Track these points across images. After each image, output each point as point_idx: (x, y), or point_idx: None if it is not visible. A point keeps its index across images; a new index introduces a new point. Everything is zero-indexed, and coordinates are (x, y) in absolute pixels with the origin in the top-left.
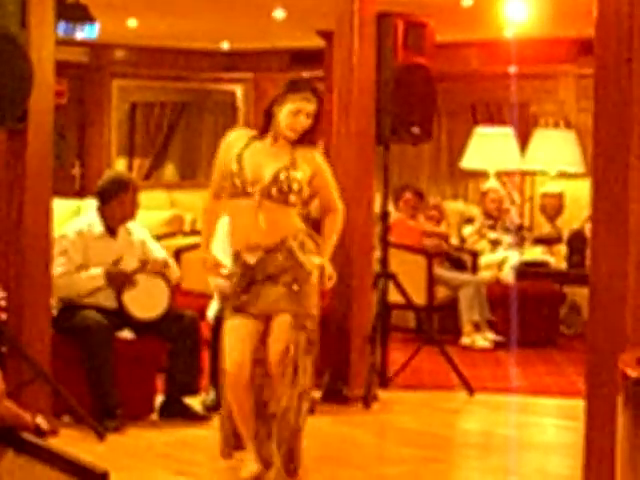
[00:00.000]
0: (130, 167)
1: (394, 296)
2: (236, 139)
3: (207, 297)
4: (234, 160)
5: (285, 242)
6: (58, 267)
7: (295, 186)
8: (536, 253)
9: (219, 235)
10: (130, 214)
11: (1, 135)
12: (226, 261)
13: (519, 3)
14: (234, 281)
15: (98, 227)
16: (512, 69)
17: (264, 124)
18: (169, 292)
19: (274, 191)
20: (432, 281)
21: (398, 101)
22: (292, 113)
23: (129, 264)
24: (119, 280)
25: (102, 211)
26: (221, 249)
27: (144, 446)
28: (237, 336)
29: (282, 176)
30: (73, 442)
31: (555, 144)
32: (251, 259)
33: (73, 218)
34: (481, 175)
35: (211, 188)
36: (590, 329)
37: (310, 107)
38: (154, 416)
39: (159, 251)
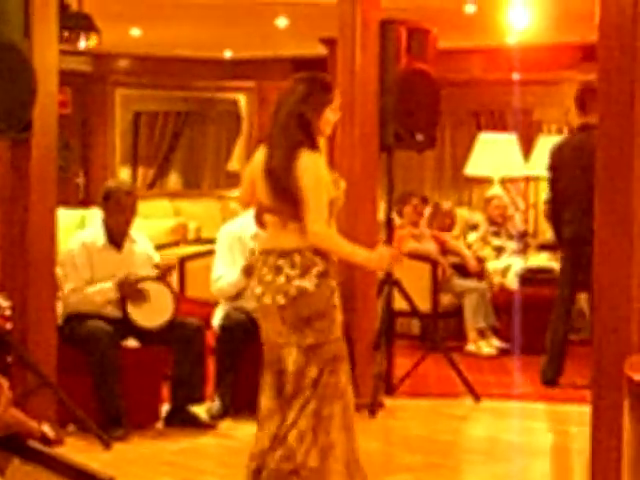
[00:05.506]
0: (134, 176)
1: (399, 303)
2: (321, 160)
3: (211, 305)
4: (334, 184)
5: None
6: (68, 283)
7: None
8: (541, 259)
9: (223, 248)
10: (120, 224)
11: (5, 145)
12: (231, 275)
13: (522, 10)
14: (333, 295)
15: (101, 239)
16: (515, 76)
17: (314, 136)
18: (174, 300)
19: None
20: (437, 288)
21: (401, 108)
22: (334, 111)
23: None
24: (131, 292)
25: (104, 223)
26: (225, 263)
27: (150, 454)
28: None
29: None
30: (79, 451)
31: None
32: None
33: (77, 228)
34: (485, 182)
35: (324, 214)
36: (595, 334)
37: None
38: (160, 424)
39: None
